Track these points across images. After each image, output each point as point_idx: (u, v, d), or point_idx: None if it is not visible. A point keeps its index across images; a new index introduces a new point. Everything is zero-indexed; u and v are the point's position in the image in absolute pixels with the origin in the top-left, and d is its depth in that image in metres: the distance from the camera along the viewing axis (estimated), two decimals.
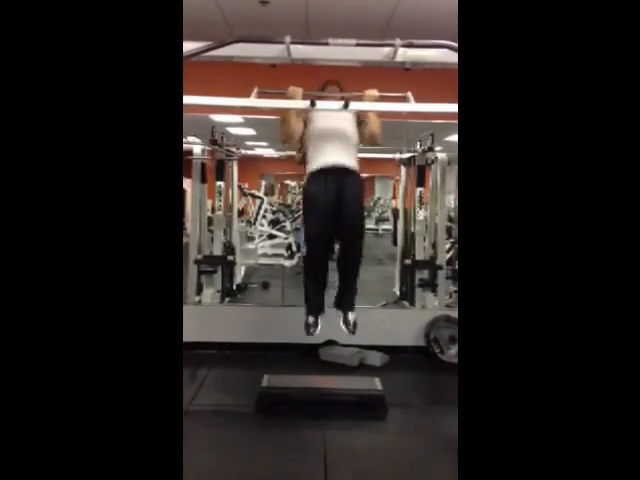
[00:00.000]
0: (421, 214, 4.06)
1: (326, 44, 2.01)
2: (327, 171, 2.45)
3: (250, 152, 6.16)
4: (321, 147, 2.49)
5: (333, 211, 2.45)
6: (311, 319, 2.56)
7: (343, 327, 2.58)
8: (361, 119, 2.58)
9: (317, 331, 2.54)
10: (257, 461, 2.24)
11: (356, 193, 2.50)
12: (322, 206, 2.45)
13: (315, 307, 2.57)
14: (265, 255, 7.01)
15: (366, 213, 11.86)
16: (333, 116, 2.53)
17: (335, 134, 2.50)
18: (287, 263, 6.66)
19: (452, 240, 4.61)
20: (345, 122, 2.55)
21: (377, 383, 2.85)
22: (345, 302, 2.62)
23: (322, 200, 2.45)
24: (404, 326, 3.68)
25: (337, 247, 2.64)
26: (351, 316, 2.59)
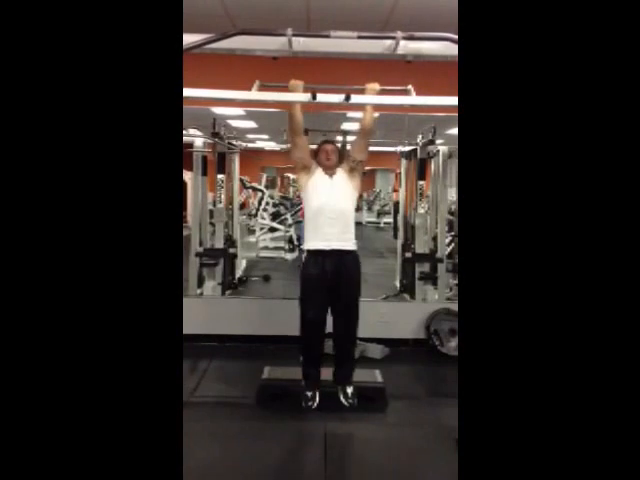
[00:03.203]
0: (422, 207, 4.07)
1: (327, 37, 2.01)
2: (325, 254, 2.49)
3: (251, 145, 6.14)
4: (319, 227, 2.52)
5: (330, 291, 2.52)
6: (309, 393, 2.61)
7: (343, 400, 2.62)
8: (351, 161, 2.61)
9: (315, 404, 2.59)
10: (257, 452, 2.26)
11: (353, 275, 2.56)
12: (320, 289, 2.52)
13: (313, 383, 2.64)
14: (266, 248, 7.01)
15: (367, 207, 11.87)
16: (328, 190, 2.54)
17: (333, 215, 2.50)
18: (288, 256, 6.67)
19: (453, 233, 4.61)
20: (341, 193, 2.56)
21: (377, 375, 2.87)
22: (343, 377, 2.67)
23: (320, 283, 2.51)
24: (404, 319, 3.69)
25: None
26: (349, 389, 2.64)
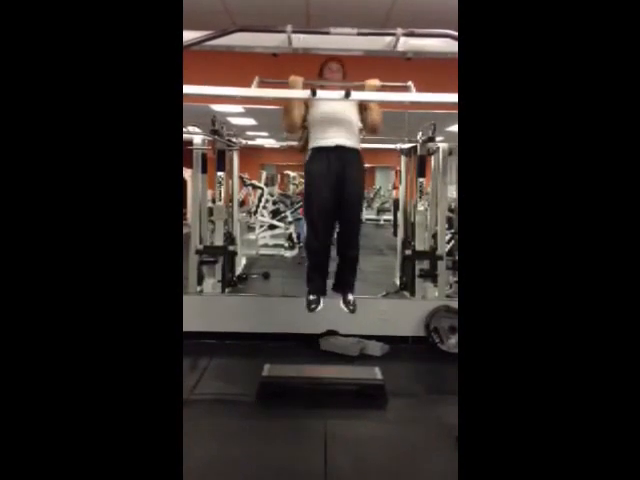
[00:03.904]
0: (422, 205, 4.06)
1: (327, 33, 2.00)
2: (329, 149, 2.48)
3: (251, 142, 6.13)
4: (323, 129, 2.51)
5: (334, 188, 2.48)
6: (313, 297, 2.60)
7: (343, 307, 2.61)
8: (364, 105, 2.59)
9: (319, 307, 2.58)
10: (257, 450, 2.26)
11: (357, 172, 2.54)
12: (324, 182, 2.48)
13: (317, 287, 2.61)
14: (266, 245, 7.01)
15: (367, 204, 11.89)
16: (333, 103, 2.53)
17: (337, 118, 2.51)
18: (288, 254, 6.67)
19: (453, 231, 4.61)
20: (347, 107, 2.56)
21: (377, 372, 2.87)
22: (344, 282, 2.65)
23: (324, 176, 2.48)
24: (404, 316, 3.69)
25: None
26: (350, 296, 2.63)
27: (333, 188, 2.48)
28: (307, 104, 2.58)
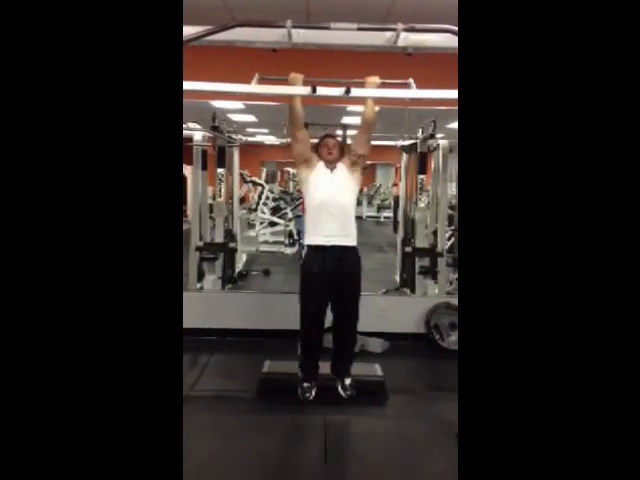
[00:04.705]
0: (422, 202, 4.06)
1: (327, 28, 1.99)
2: (326, 249, 2.49)
3: (251, 139, 6.13)
4: (319, 222, 2.52)
5: (330, 286, 2.52)
6: (306, 384, 2.63)
7: (341, 392, 2.64)
8: (352, 155, 2.59)
9: (312, 396, 2.61)
10: (257, 446, 2.26)
11: (353, 270, 2.56)
12: (320, 284, 2.51)
13: (310, 375, 2.65)
14: (266, 242, 7.02)
15: (368, 201, 11.85)
16: (329, 184, 2.54)
17: (334, 209, 2.50)
18: (288, 250, 6.67)
19: (453, 228, 4.61)
20: (344, 184, 2.55)
21: (377, 369, 2.87)
22: (341, 370, 2.69)
23: (320, 278, 2.50)
24: (404, 313, 3.69)
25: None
26: (347, 381, 2.65)
27: (329, 286, 2.52)
28: (307, 160, 2.58)
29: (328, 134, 2.72)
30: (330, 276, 2.50)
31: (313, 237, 2.54)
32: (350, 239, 2.55)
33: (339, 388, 2.64)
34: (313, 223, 2.55)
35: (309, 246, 2.55)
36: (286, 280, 5.05)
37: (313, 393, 2.61)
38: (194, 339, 3.41)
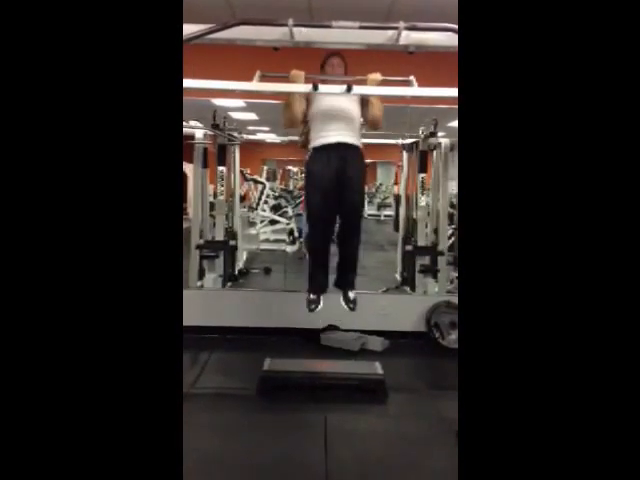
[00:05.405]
0: (423, 200, 4.06)
1: (329, 27, 1.99)
2: (330, 147, 2.47)
3: (252, 137, 6.13)
4: (324, 125, 2.51)
5: (335, 187, 2.48)
6: (313, 296, 2.61)
7: (343, 304, 2.62)
8: (366, 100, 2.58)
9: (319, 308, 2.60)
10: (258, 444, 2.27)
11: (358, 169, 2.53)
12: (324, 182, 2.48)
13: (318, 285, 2.62)
14: (267, 240, 7.02)
15: (368, 199, 11.87)
16: (332, 97, 2.52)
17: (338, 114, 2.50)
18: (289, 249, 6.67)
19: (454, 226, 4.60)
20: (349, 101, 2.55)
21: (378, 367, 2.87)
22: (345, 280, 2.66)
23: (324, 176, 2.47)
24: (405, 311, 3.69)
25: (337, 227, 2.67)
26: (351, 294, 2.63)
27: (334, 187, 2.48)
28: (308, 99, 2.57)
29: (333, 52, 2.59)
30: (335, 174, 2.46)
31: (318, 139, 2.51)
32: (354, 138, 2.53)
33: (342, 300, 2.63)
34: (318, 127, 2.52)
35: (314, 148, 2.52)
36: (287, 278, 5.04)
37: (320, 306, 2.60)
38: (194, 337, 3.41)
